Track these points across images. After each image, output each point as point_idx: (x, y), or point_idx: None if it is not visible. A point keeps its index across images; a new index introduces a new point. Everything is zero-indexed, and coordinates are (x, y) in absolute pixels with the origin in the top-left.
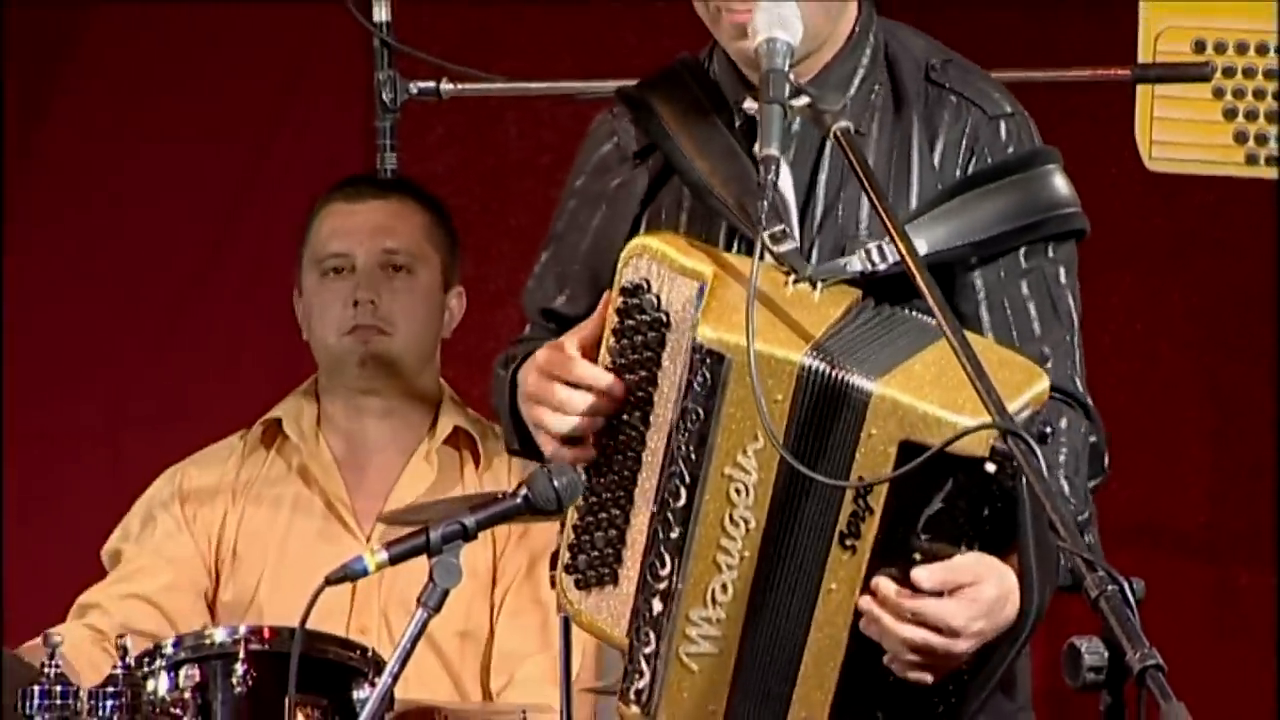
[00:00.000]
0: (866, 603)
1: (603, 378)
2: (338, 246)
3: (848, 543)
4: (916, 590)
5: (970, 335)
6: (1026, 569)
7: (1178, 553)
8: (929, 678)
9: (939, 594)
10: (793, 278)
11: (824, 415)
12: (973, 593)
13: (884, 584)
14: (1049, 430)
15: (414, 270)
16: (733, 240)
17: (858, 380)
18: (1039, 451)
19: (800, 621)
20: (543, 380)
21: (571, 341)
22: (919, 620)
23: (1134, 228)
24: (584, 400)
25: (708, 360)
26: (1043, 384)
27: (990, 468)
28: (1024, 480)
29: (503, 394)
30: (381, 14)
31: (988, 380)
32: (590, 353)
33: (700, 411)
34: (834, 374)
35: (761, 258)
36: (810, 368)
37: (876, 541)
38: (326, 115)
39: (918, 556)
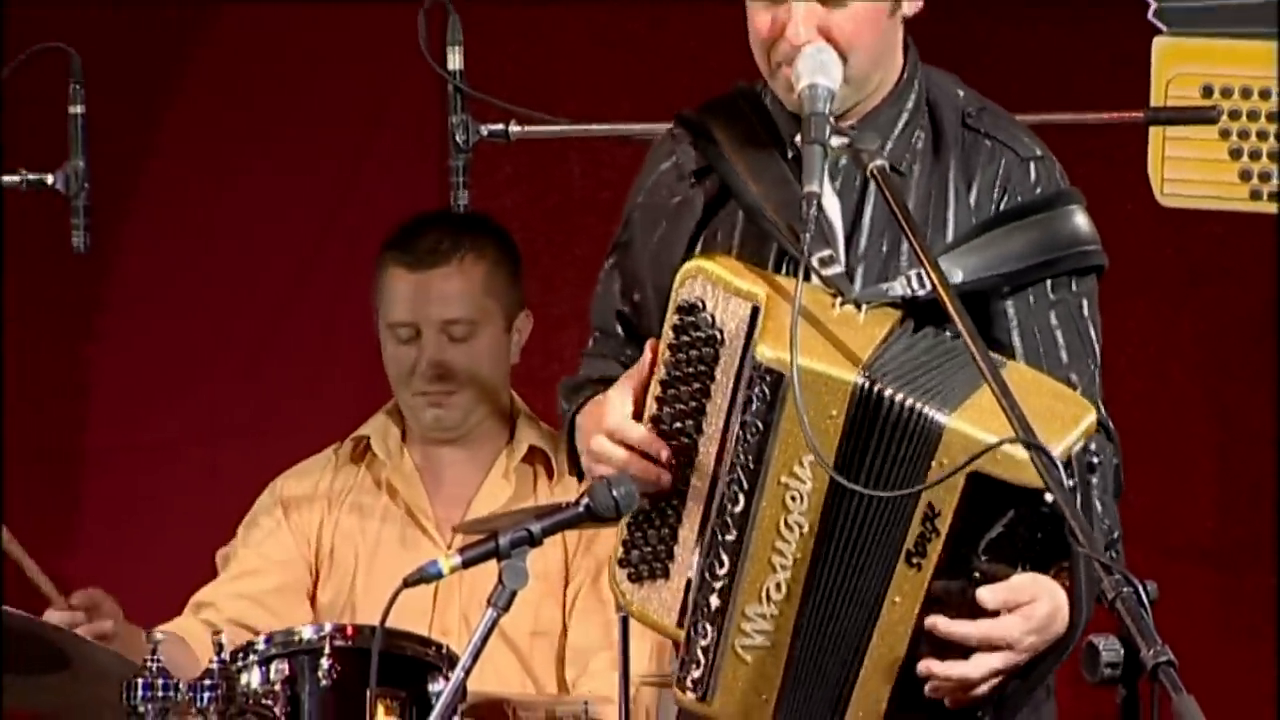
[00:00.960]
0: (931, 622)
1: (635, 432)
2: (404, 316)
3: (914, 560)
4: (980, 608)
5: (1024, 367)
6: (1078, 590)
7: (1187, 558)
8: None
9: (998, 612)
10: (839, 300)
11: (883, 434)
12: (1029, 610)
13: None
14: (1099, 460)
15: (476, 333)
16: (781, 261)
17: (930, 411)
18: (1060, 464)
19: (863, 627)
20: (590, 433)
21: (622, 394)
22: (986, 638)
23: (1147, 258)
24: (622, 454)
25: (766, 378)
26: (1092, 416)
27: (1049, 498)
28: (1079, 501)
29: (565, 429)
30: (455, 63)
31: (1013, 399)
32: (640, 399)
33: (759, 424)
34: (898, 399)
35: (808, 279)
36: (864, 386)
37: (940, 560)
38: (405, 155)
39: (977, 575)
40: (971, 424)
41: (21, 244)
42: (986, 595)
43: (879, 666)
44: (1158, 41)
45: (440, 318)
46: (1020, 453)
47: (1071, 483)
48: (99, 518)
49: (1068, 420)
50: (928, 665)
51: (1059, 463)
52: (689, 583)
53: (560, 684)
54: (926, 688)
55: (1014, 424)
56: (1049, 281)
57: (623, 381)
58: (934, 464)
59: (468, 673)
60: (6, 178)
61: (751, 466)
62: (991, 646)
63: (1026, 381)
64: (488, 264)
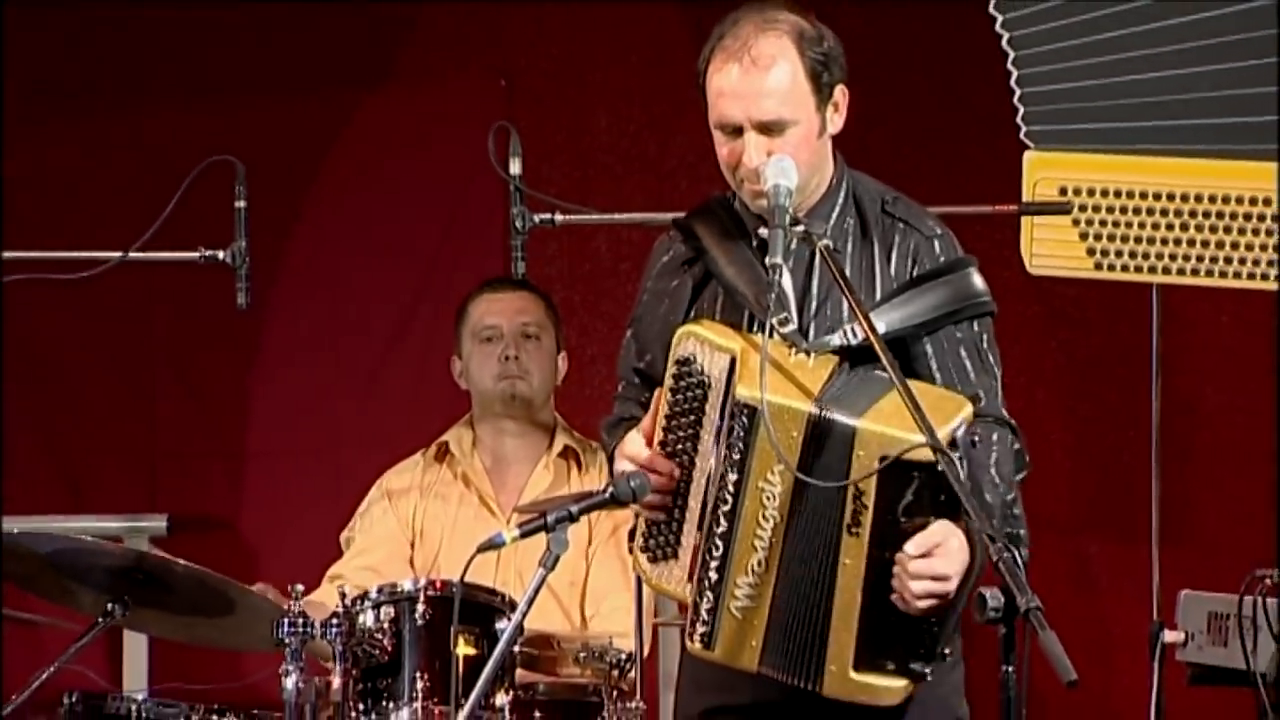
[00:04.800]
0: (899, 554)
1: (644, 455)
2: (491, 321)
3: (853, 530)
4: (910, 555)
5: (917, 382)
6: (970, 529)
7: (1049, 530)
8: (930, 610)
9: (927, 554)
10: (794, 350)
11: (825, 443)
12: (945, 548)
13: (898, 556)
14: (977, 439)
15: (541, 337)
16: (751, 323)
17: (847, 418)
18: (962, 455)
19: (824, 588)
20: (619, 459)
21: (635, 434)
22: (919, 575)
23: (1020, 311)
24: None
25: (744, 410)
26: (969, 409)
27: (940, 467)
28: (960, 472)
29: (609, 460)
30: (515, 169)
31: (921, 411)
32: (650, 435)
33: (741, 445)
34: (831, 415)
35: (771, 336)
36: (815, 414)
37: (873, 526)
38: (478, 236)
39: (903, 531)
40: (874, 422)
41: (200, 303)
42: (911, 547)
43: (842, 616)
44: (1027, 155)
45: (519, 321)
46: (912, 437)
47: (959, 454)
48: (255, 502)
49: (949, 412)
50: (900, 577)
51: (944, 442)
52: (693, 561)
53: (583, 620)
54: (893, 597)
55: (915, 417)
56: (955, 326)
57: (639, 425)
58: (854, 455)
59: (524, 615)
60: (190, 254)
61: (736, 476)
62: (925, 578)
63: (919, 390)
64: (545, 303)
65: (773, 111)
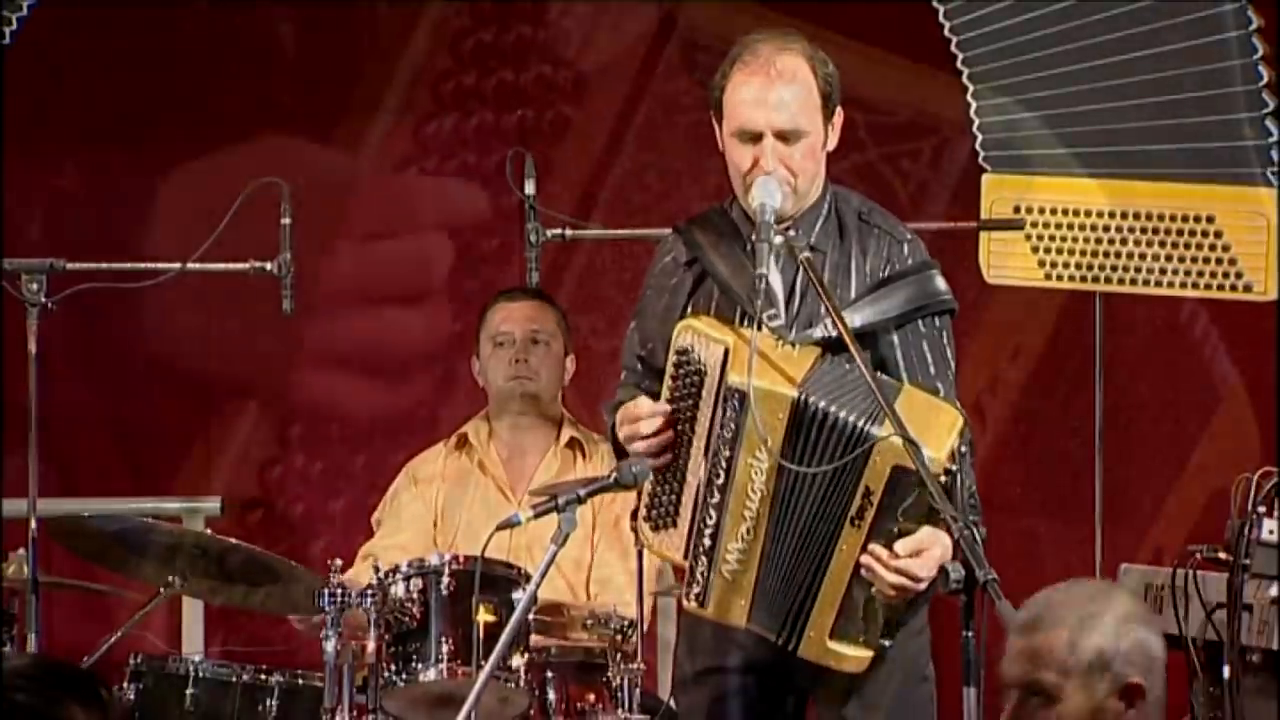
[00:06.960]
0: (868, 560)
1: (648, 425)
2: (504, 329)
3: (855, 522)
4: (897, 554)
5: (914, 390)
6: (960, 543)
7: (1003, 512)
8: (898, 600)
9: (913, 555)
10: (780, 342)
11: (813, 430)
12: (928, 554)
13: (879, 550)
14: (965, 450)
15: (549, 343)
16: (743, 318)
17: (866, 425)
18: (958, 468)
19: (819, 564)
20: (622, 426)
21: (638, 402)
22: (899, 572)
23: (976, 318)
24: (640, 438)
25: (736, 395)
26: (960, 421)
27: (943, 479)
28: (958, 482)
29: (609, 433)
30: (530, 189)
31: (895, 411)
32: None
33: (733, 426)
34: (826, 408)
35: (760, 329)
36: (798, 398)
37: (873, 522)
38: (498, 249)
39: (896, 530)
40: (891, 433)
41: (250, 309)
42: (901, 548)
43: (830, 591)
44: (985, 177)
45: (528, 328)
46: (926, 453)
47: (955, 467)
48: (298, 485)
49: (947, 427)
50: (869, 560)
51: (946, 456)
52: (689, 530)
53: (589, 596)
54: (862, 570)
55: (898, 428)
56: (920, 320)
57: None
58: (871, 461)
59: (537, 586)
60: (241, 265)
61: (729, 453)
62: (903, 575)
63: (917, 401)
64: (553, 308)
65: (791, 121)
